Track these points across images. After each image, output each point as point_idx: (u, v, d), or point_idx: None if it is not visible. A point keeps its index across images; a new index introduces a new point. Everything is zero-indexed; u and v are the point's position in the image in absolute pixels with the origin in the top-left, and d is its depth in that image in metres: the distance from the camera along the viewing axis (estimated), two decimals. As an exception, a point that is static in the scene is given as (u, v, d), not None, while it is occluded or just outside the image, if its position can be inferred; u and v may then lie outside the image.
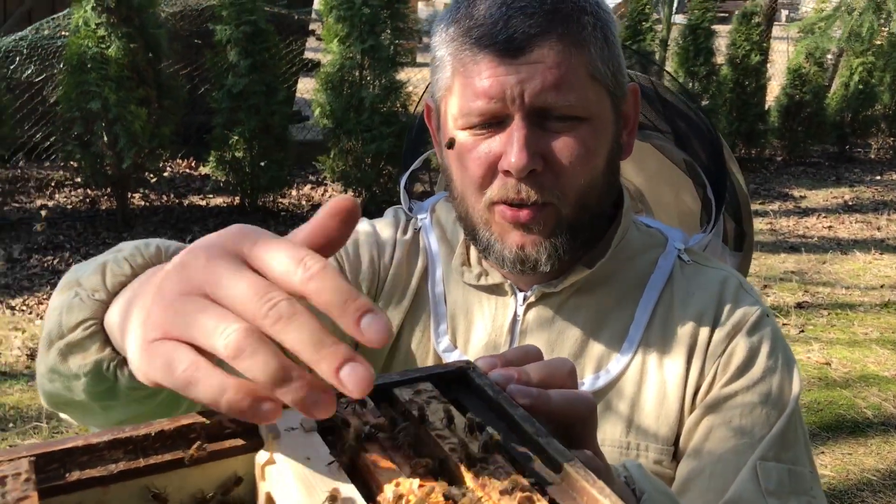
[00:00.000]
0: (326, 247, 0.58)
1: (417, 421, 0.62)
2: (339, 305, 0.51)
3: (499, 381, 0.68)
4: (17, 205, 7.07)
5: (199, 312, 0.53)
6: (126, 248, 0.78)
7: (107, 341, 0.72)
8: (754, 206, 8.25)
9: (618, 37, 1.08)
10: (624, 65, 1.09)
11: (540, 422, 0.62)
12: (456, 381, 0.69)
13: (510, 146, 1.00)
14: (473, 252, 1.19)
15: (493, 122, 1.02)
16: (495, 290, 1.17)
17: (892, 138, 10.96)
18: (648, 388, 1.11)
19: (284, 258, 0.53)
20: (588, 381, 1.12)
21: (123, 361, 0.72)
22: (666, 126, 1.39)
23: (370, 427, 0.61)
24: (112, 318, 0.71)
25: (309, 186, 8.08)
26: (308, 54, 9.87)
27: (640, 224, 1.24)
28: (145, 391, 0.73)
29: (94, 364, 0.72)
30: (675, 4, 10.91)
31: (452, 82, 1.05)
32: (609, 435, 1.10)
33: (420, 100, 1.41)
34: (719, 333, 1.11)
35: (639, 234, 1.21)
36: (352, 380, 0.50)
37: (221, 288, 0.54)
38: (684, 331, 1.12)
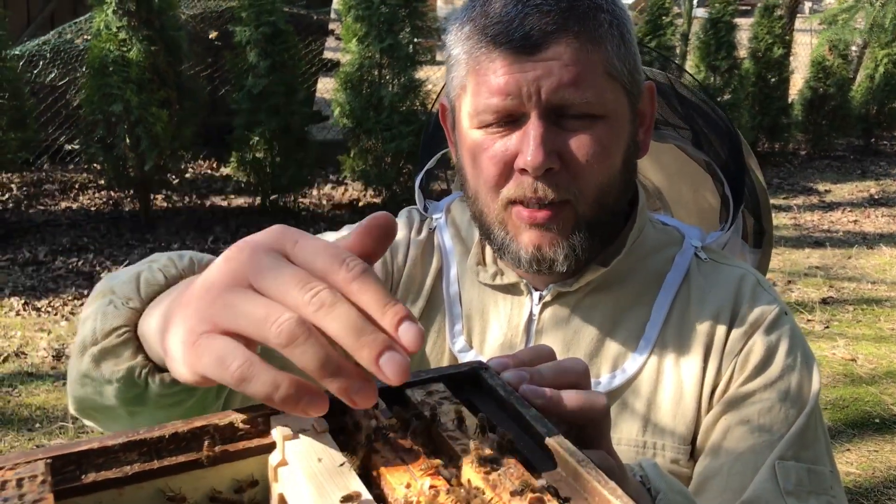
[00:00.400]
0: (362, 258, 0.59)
1: (429, 422, 0.62)
2: (379, 309, 0.54)
3: (511, 382, 0.67)
4: (41, 207, 7.15)
5: (247, 303, 0.55)
6: (160, 258, 0.80)
7: (139, 348, 0.74)
8: (778, 201, 8.17)
9: (634, 34, 1.07)
10: (640, 62, 1.09)
11: (552, 422, 0.62)
12: (468, 382, 0.69)
13: (526, 144, 0.99)
14: (489, 251, 1.19)
15: (508, 121, 1.02)
16: (511, 289, 1.17)
17: (918, 130, 10.82)
18: (665, 386, 1.10)
19: (327, 256, 0.56)
20: (604, 381, 1.11)
21: (155, 369, 0.73)
22: (683, 123, 1.38)
23: (382, 428, 0.61)
24: (146, 326, 0.73)
25: (329, 186, 8.11)
26: (327, 54, 9.90)
27: (656, 222, 1.23)
28: (174, 398, 0.75)
29: (126, 370, 0.74)
30: (696, -2, 10.82)
31: (467, 80, 1.04)
32: (626, 434, 1.09)
33: (437, 99, 1.41)
34: (737, 331, 1.10)
35: (655, 232, 1.20)
36: (390, 367, 0.52)
37: (265, 279, 0.56)
38: (701, 329, 1.11)
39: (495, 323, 1.17)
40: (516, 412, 0.64)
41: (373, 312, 0.54)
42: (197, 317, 0.58)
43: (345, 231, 1.26)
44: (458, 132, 1.10)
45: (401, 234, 1.26)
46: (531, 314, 1.15)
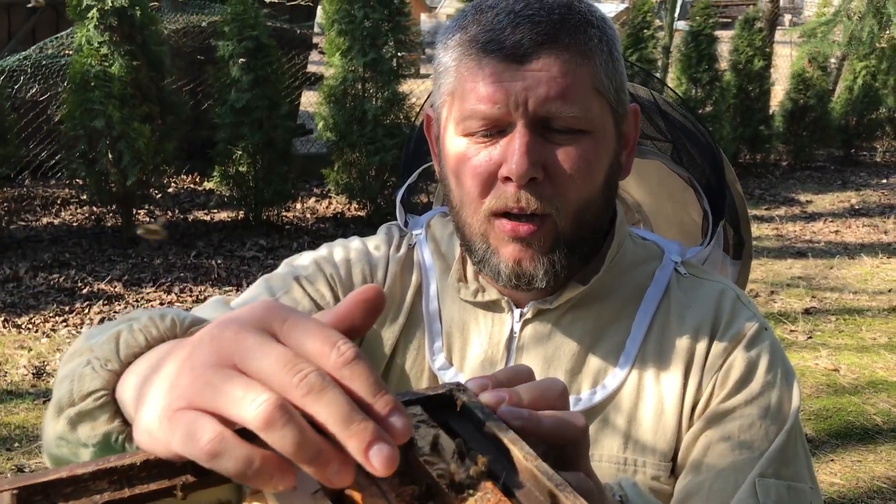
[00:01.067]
0: (348, 333, 0.58)
1: (406, 446, 0.61)
2: (370, 397, 0.52)
3: (489, 403, 0.67)
4: (23, 223, 7.10)
5: (226, 382, 0.53)
6: (141, 318, 0.78)
7: (117, 412, 0.73)
8: (760, 212, 8.23)
9: (622, 54, 1.07)
10: (626, 83, 1.09)
11: (531, 444, 0.62)
12: (446, 404, 0.68)
13: (511, 153, 0.99)
14: (470, 267, 1.18)
15: (494, 130, 1.01)
16: (492, 306, 1.16)
17: (897, 141, 10.94)
18: (646, 402, 1.10)
19: (318, 338, 0.54)
20: (585, 397, 1.11)
21: (132, 434, 0.72)
22: (665, 138, 1.38)
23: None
24: (124, 391, 0.72)
25: (313, 199, 8.10)
26: (312, 67, 9.91)
27: (635, 237, 1.23)
28: None
29: (102, 435, 0.72)
30: (678, 11, 10.91)
31: (455, 87, 1.04)
32: (607, 451, 1.09)
33: (419, 112, 1.40)
34: (717, 347, 1.10)
35: (634, 247, 1.20)
36: (379, 459, 0.51)
37: (251, 359, 0.53)
38: (681, 345, 1.11)
39: (476, 340, 1.17)
40: (494, 435, 0.63)
41: (362, 400, 0.52)
42: (174, 394, 0.55)
43: (323, 250, 1.25)
44: (443, 141, 1.09)
45: (380, 250, 1.25)
46: (512, 331, 1.15)
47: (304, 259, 1.23)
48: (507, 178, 1.00)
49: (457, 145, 1.05)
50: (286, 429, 0.50)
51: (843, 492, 3.66)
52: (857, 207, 8.67)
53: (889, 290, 6.23)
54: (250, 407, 0.51)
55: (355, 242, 1.26)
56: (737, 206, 1.45)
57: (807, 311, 5.75)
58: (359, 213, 7.67)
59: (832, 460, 3.89)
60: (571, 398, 1.10)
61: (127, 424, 0.72)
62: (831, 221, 8.13)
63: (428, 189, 1.53)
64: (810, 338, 5.30)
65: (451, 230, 1.25)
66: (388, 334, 1.19)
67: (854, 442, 4.07)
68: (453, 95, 1.04)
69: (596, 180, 1.04)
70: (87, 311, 5.52)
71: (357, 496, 0.56)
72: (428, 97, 1.36)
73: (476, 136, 1.02)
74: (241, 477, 0.52)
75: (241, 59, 6.60)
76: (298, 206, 7.85)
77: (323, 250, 1.25)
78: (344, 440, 0.51)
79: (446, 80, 1.06)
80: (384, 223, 1.32)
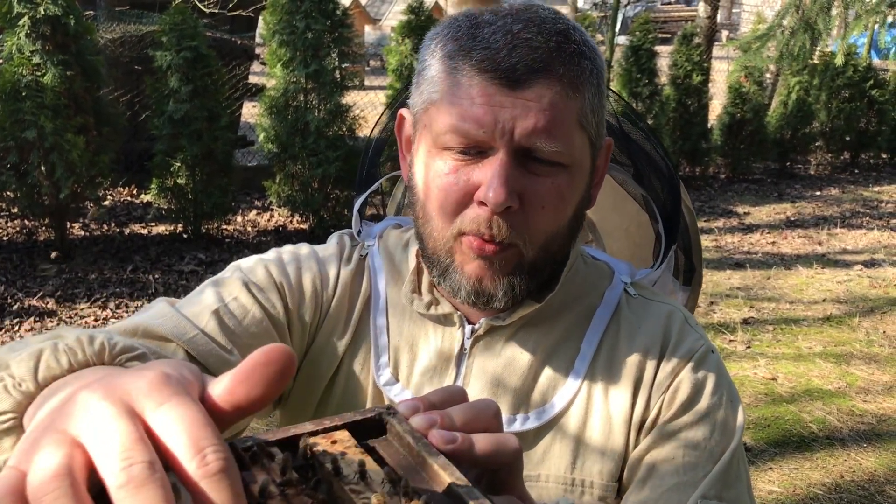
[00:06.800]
0: (246, 406, 0.51)
1: (331, 475, 0.58)
2: None
3: (420, 427, 0.64)
4: (-50, 237, 6.85)
5: (47, 452, 0.46)
6: (68, 337, 0.73)
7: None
8: (700, 224, 8.38)
9: (605, 87, 1.06)
10: (605, 116, 1.08)
11: (462, 469, 0.59)
12: (375, 428, 0.65)
13: (492, 178, 0.97)
14: (425, 279, 1.16)
15: (473, 151, 0.99)
16: (443, 320, 1.14)
17: (829, 154, 11.27)
18: (594, 422, 1.09)
19: (184, 436, 0.46)
20: (533, 415, 1.09)
21: None
22: (627, 160, 1.38)
23: (277, 483, 0.57)
24: (34, 416, 0.66)
25: (255, 212, 7.98)
26: (253, 78, 9.80)
27: (587, 256, 1.22)
28: None
29: (4, 463, 0.67)
30: (618, 26, 11.08)
31: (440, 98, 1.01)
32: (554, 471, 1.07)
33: (376, 123, 1.37)
34: (665, 367, 1.10)
35: (586, 268, 1.19)
36: None
37: (89, 432, 0.46)
38: (630, 365, 1.10)
39: (425, 355, 1.14)
40: (424, 460, 0.60)
41: None
42: (20, 446, 0.49)
43: (271, 255, 1.20)
44: (417, 149, 1.07)
45: (331, 261, 1.21)
46: (462, 347, 1.13)
47: (254, 264, 1.18)
48: (483, 203, 0.98)
49: (433, 158, 1.03)
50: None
51: (781, 499, 3.72)
52: (792, 219, 8.89)
53: (823, 300, 6.39)
54: (37, 488, 0.44)
55: (305, 249, 1.22)
56: (690, 233, 1.45)
57: (745, 321, 5.85)
58: (301, 225, 7.58)
59: (770, 468, 3.95)
60: (520, 416, 1.09)
61: None
62: (768, 233, 8.32)
63: (382, 200, 1.50)
64: (749, 347, 5.39)
65: (404, 241, 1.23)
66: (337, 347, 1.16)
67: (791, 450, 4.14)
68: (437, 105, 1.02)
69: (566, 213, 1.04)
70: (17, 328, 5.33)
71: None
72: (395, 99, 1.32)
73: (454, 152, 1.00)
74: None
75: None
76: (239, 218, 7.73)
77: (271, 254, 1.21)
78: None
79: (430, 89, 1.03)
80: (327, 236, 1.29)
